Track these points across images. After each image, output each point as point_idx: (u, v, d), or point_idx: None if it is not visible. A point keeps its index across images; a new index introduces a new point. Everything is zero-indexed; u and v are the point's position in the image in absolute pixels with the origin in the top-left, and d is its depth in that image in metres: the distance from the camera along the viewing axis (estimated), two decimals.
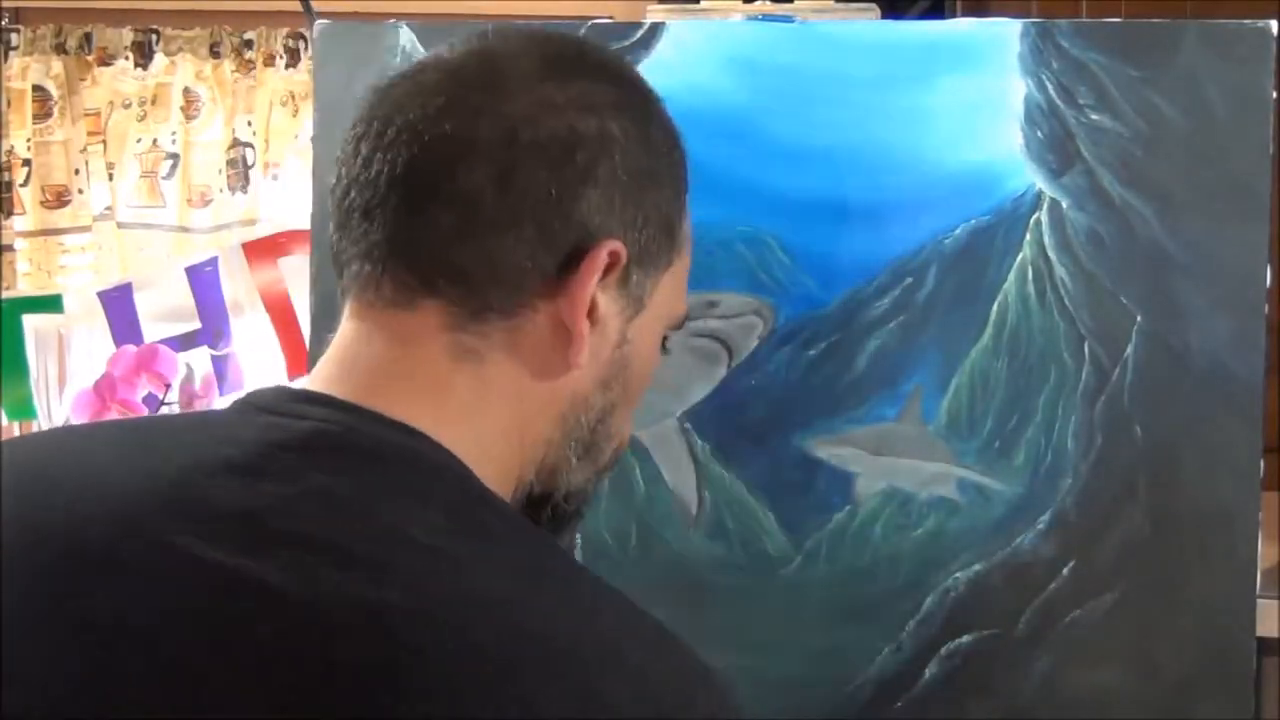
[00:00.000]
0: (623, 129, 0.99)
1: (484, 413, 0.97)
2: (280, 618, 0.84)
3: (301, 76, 3.51)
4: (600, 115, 0.98)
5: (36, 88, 3.53)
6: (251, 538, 0.87)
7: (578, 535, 1.59)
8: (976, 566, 1.55)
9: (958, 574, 1.55)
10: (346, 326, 1.00)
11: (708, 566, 1.58)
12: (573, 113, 0.96)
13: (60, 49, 3.56)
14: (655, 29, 1.58)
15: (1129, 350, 1.52)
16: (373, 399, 0.95)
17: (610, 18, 1.63)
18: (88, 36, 3.57)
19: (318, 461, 0.91)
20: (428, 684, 0.82)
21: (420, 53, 1.61)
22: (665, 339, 1.10)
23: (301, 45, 3.53)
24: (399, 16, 1.63)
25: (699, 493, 1.59)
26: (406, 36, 1.61)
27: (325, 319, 1.62)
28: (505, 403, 0.98)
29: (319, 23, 1.64)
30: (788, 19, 1.58)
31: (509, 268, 0.95)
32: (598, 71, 1.02)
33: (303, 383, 1.02)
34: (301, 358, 2.38)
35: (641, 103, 1.04)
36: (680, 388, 1.59)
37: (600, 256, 0.96)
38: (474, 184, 0.94)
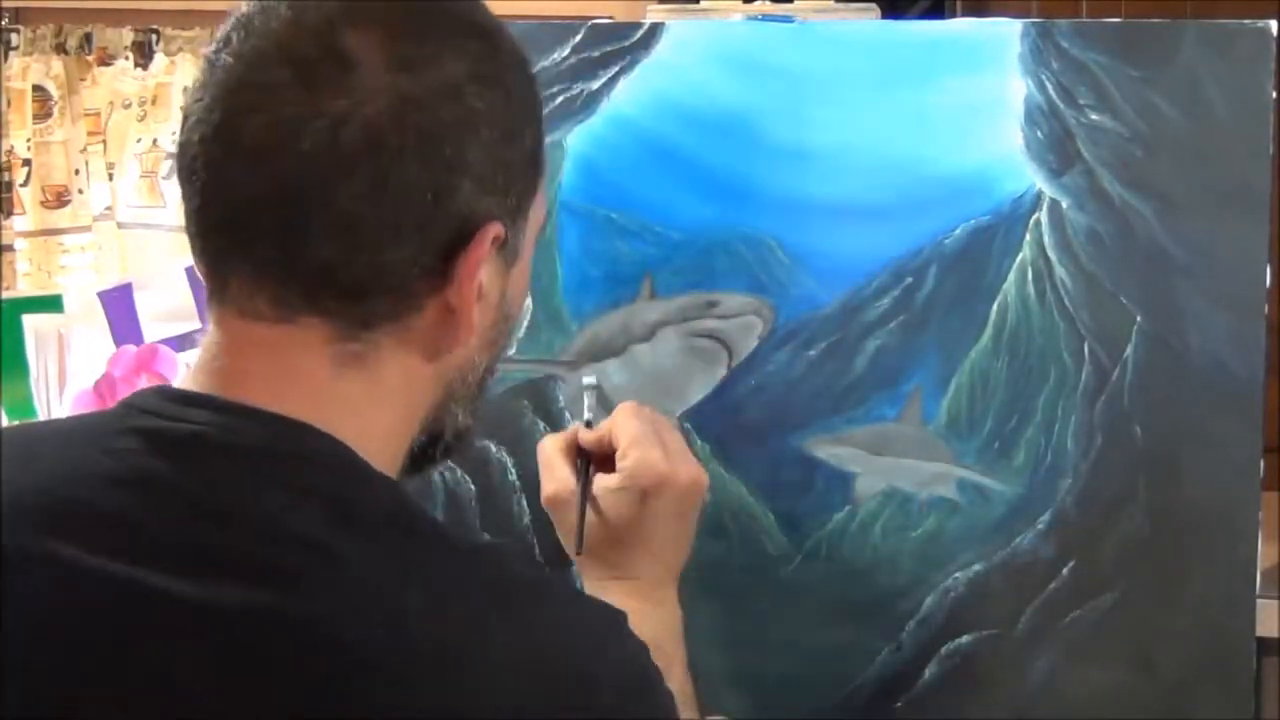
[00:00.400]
0: (485, 100, 0.96)
1: (374, 408, 0.97)
2: (173, 623, 0.86)
3: None
4: (460, 96, 0.94)
5: (36, 88, 3.52)
6: (134, 545, 0.88)
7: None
8: (976, 566, 1.55)
9: (957, 574, 1.55)
10: (218, 337, 0.98)
11: (707, 566, 1.58)
12: (434, 103, 0.93)
13: (60, 49, 3.56)
14: (655, 29, 1.58)
15: (1129, 350, 1.52)
16: (256, 397, 0.95)
17: (610, 18, 1.63)
18: (88, 36, 3.57)
19: (196, 466, 0.91)
20: (322, 683, 0.85)
21: None
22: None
23: None
24: None
25: None
26: None
27: None
28: (395, 395, 0.98)
29: None
30: (787, 19, 1.58)
31: (394, 275, 0.94)
32: (447, 36, 0.96)
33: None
34: None
35: (494, 52, 1.00)
36: (680, 388, 1.59)
37: (484, 243, 0.96)
38: (349, 200, 0.91)
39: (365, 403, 0.96)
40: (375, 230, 0.92)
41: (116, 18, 3.58)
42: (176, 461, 0.92)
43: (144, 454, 0.92)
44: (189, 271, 2.42)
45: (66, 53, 3.56)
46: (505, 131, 0.97)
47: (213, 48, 0.96)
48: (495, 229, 0.96)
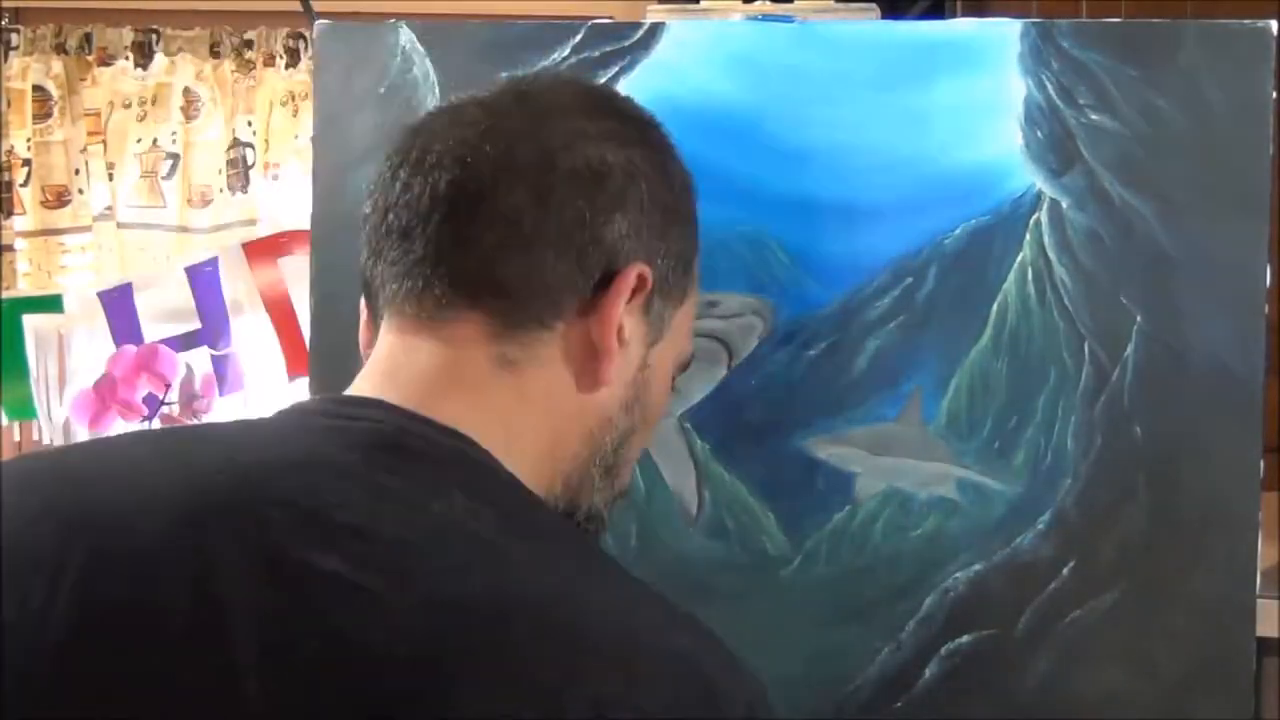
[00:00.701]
0: (648, 164, 1.08)
1: (521, 420, 1.02)
2: (362, 611, 0.86)
3: (302, 77, 3.51)
4: (628, 149, 1.06)
5: (36, 88, 3.53)
6: (319, 532, 0.89)
7: None
8: (976, 566, 1.55)
9: (957, 574, 1.55)
10: (387, 340, 1.05)
11: (707, 566, 1.58)
12: (604, 144, 1.04)
13: (60, 49, 3.56)
14: (655, 29, 1.58)
15: (1129, 350, 1.52)
16: (419, 403, 1.00)
17: (610, 18, 1.63)
18: (88, 36, 3.57)
19: (376, 460, 0.95)
20: (508, 676, 0.85)
21: (420, 52, 1.61)
22: (674, 379, 1.17)
23: (301, 45, 3.53)
24: (399, 16, 1.63)
25: (699, 493, 1.59)
26: (406, 36, 1.61)
27: (326, 319, 1.62)
28: (540, 412, 1.03)
29: (318, 23, 1.64)
30: (788, 19, 1.58)
31: (547, 283, 1.01)
32: (624, 112, 1.11)
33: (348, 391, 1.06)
34: (302, 358, 2.38)
35: (662, 144, 1.13)
36: (680, 387, 1.58)
37: (629, 278, 1.03)
38: (514, 204, 1.01)
39: (513, 413, 1.02)
40: (532, 233, 1.01)
41: (116, 18, 3.58)
42: (361, 452, 0.95)
43: (323, 447, 0.96)
44: (189, 271, 2.42)
45: (66, 53, 3.56)
46: (663, 205, 1.09)
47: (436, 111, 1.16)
48: (642, 268, 1.05)
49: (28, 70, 3.54)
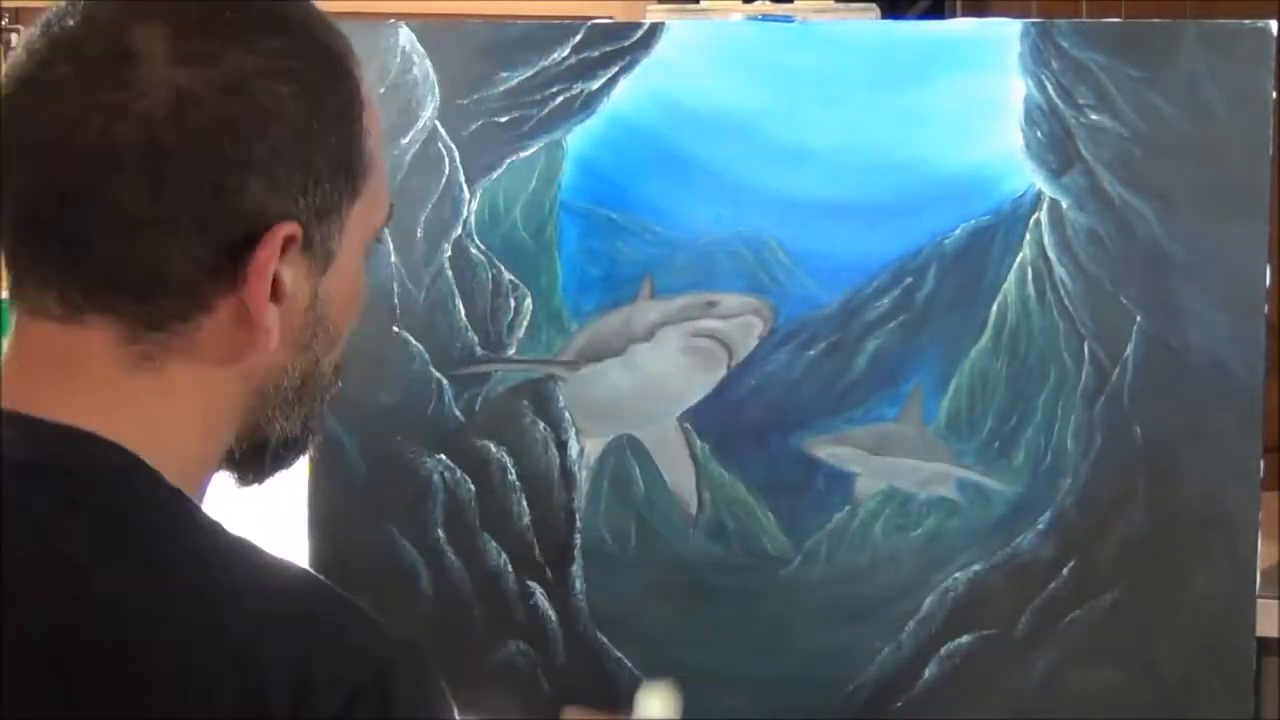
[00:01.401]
0: (274, 97, 0.91)
1: (169, 415, 0.94)
2: None
3: None
4: (247, 91, 0.90)
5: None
6: None
7: (576, 538, 1.60)
8: (976, 566, 1.55)
9: (957, 574, 1.55)
10: (13, 338, 0.95)
11: (707, 566, 1.58)
12: (216, 99, 0.89)
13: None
14: (655, 29, 1.58)
15: (1129, 350, 1.52)
16: (38, 408, 0.92)
17: (610, 18, 1.63)
18: None
19: None
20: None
21: (420, 52, 1.61)
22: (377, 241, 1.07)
23: None
24: (398, 16, 1.63)
25: (698, 493, 1.59)
26: (406, 36, 1.61)
27: None
28: (192, 401, 0.94)
29: None
30: (787, 19, 1.58)
31: (178, 275, 0.90)
32: (241, 30, 0.92)
33: None
34: None
35: (297, 48, 0.94)
36: (680, 388, 1.59)
37: (273, 245, 0.91)
38: (125, 197, 0.88)
39: (158, 408, 0.93)
40: (153, 228, 0.89)
41: None
42: None
43: None
44: None
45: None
46: (303, 133, 0.92)
47: (19, 47, 0.94)
48: (289, 229, 0.92)
49: None
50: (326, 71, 0.96)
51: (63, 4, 0.93)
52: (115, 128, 0.88)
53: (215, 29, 0.91)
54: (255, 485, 1.05)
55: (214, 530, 0.93)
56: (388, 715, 0.87)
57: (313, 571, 0.97)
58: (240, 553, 0.93)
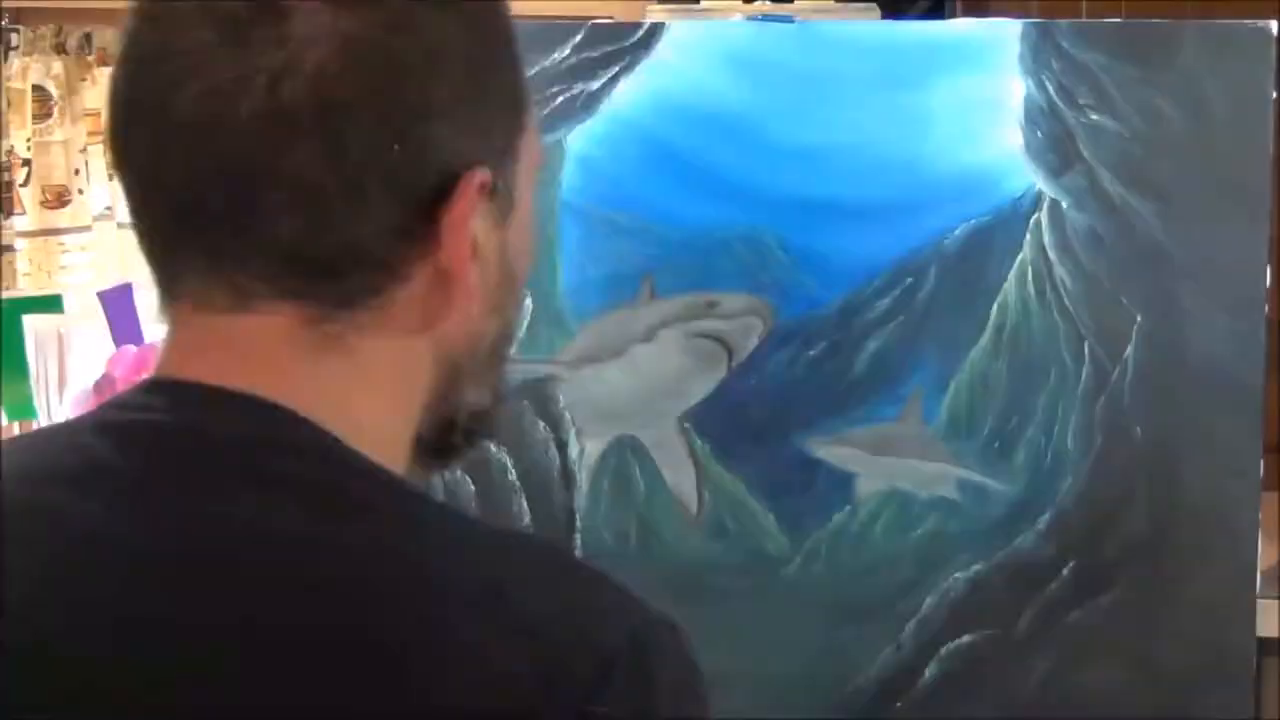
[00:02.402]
0: (445, 30, 0.82)
1: (363, 395, 0.85)
2: (157, 636, 0.78)
3: None
4: (415, 28, 0.81)
5: (36, 88, 3.52)
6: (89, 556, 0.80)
7: (576, 539, 1.60)
8: (976, 566, 1.55)
9: (958, 574, 1.55)
10: (173, 338, 0.87)
11: (707, 567, 1.58)
12: (384, 39, 0.80)
13: (60, 49, 3.56)
14: (655, 29, 1.58)
15: (1129, 350, 1.52)
16: (228, 379, 0.83)
17: (610, 18, 1.63)
18: (88, 36, 3.57)
19: (153, 462, 0.83)
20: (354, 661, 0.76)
21: None
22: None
23: None
24: None
25: (699, 493, 1.59)
26: None
27: None
28: (387, 379, 0.86)
29: None
30: (787, 19, 1.58)
31: (370, 245, 0.81)
32: None
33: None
34: None
35: None
36: (680, 388, 1.59)
37: (469, 196, 0.82)
38: (302, 166, 0.79)
39: (352, 389, 0.84)
40: (339, 197, 0.79)
41: (116, 18, 3.58)
42: (136, 457, 0.82)
43: (105, 450, 0.83)
44: None
45: (66, 53, 3.55)
46: (477, 63, 0.83)
47: (131, 18, 0.83)
48: (481, 175, 0.82)
49: (28, 70, 3.53)
50: (491, 11, 0.87)
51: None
52: (281, 90, 0.78)
53: None
54: (445, 468, 1.00)
55: (432, 502, 0.87)
56: (649, 685, 0.79)
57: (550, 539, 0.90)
58: (468, 523, 0.88)
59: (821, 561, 1.57)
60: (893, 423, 1.57)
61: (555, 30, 1.60)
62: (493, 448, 1.60)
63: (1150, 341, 1.52)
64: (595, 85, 1.59)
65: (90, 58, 3.56)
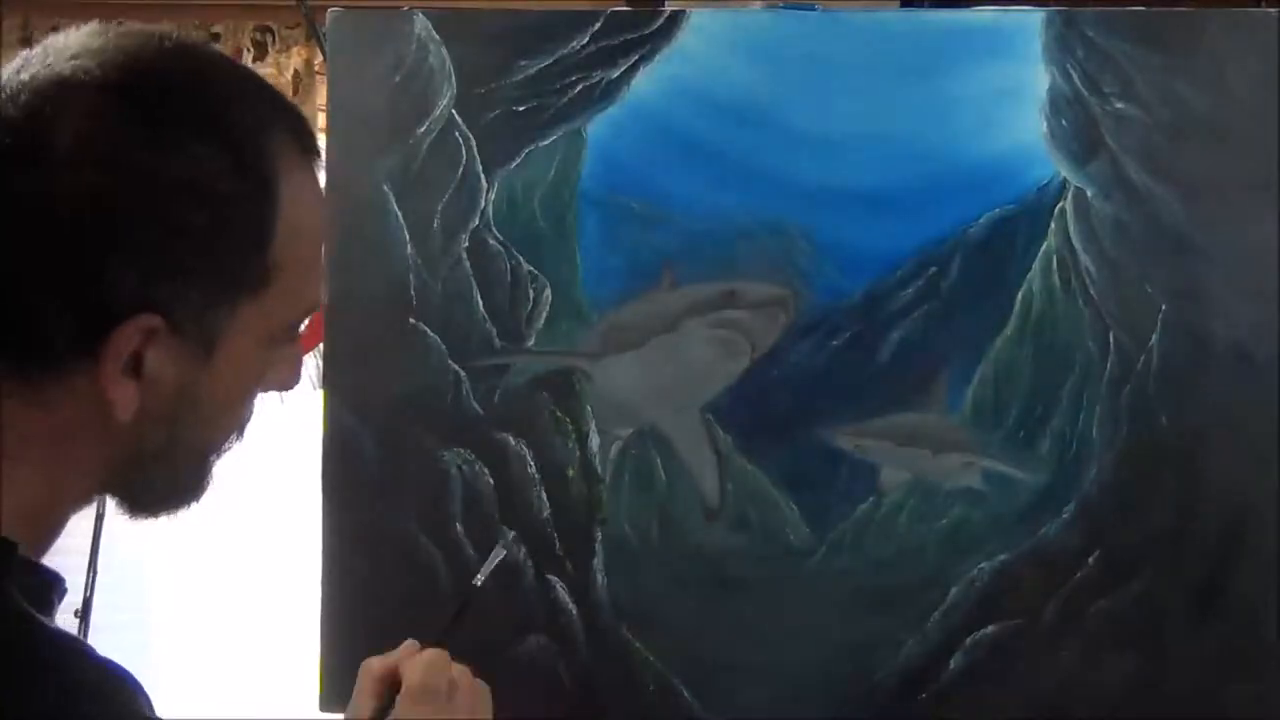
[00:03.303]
0: (170, 202, 0.94)
1: (20, 462, 0.96)
2: None
3: (268, 69, 3.47)
4: (146, 192, 0.93)
5: None
6: None
7: (597, 531, 1.58)
8: (1002, 556, 1.54)
9: (983, 564, 1.55)
10: None
11: (730, 558, 1.57)
12: (108, 195, 0.92)
13: (27, 43, 3.51)
14: (676, 16, 1.57)
15: (1154, 339, 1.52)
16: None
17: (629, 6, 1.61)
18: (54, 30, 3.52)
19: None
20: None
21: (436, 40, 1.58)
22: (296, 330, 1.08)
23: (269, 39, 3.49)
24: (414, 4, 1.61)
25: (721, 485, 1.57)
26: (421, 24, 1.59)
27: (341, 318, 1.59)
28: (42, 451, 0.97)
29: (331, 10, 1.61)
30: (810, 7, 1.57)
31: (43, 337, 0.93)
32: (158, 133, 0.94)
33: None
34: None
35: (210, 157, 0.96)
36: (702, 379, 1.57)
37: (129, 333, 0.94)
38: (10, 260, 0.92)
39: (12, 452, 0.96)
40: (29, 292, 0.92)
41: (83, 12, 3.53)
42: None
43: None
44: None
45: (31, 47, 3.51)
46: (192, 233, 0.94)
47: None
48: (148, 320, 0.94)
49: None
50: (242, 184, 0.97)
51: (9, 70, 0.96)
52: (13, 202, 0.91)
53: (131, 130, 0.93)
54: (144, 519, 1.07)
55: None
56: None
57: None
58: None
59: (845, 553, 1.56)
60: (917, 413, 1.56)
61: (574, 18, 1.58)
62: (512, 440, 1.58)
63: (1175, 330, 1.52)
64: (615, 73, 1.57)
65: None
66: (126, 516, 1.06)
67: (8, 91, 0.93)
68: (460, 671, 1.29)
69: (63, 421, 0.96)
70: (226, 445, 1.07)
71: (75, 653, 0.96)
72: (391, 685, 1.27)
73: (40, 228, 0.91)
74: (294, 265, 1.02)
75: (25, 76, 0.94)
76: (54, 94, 0.92)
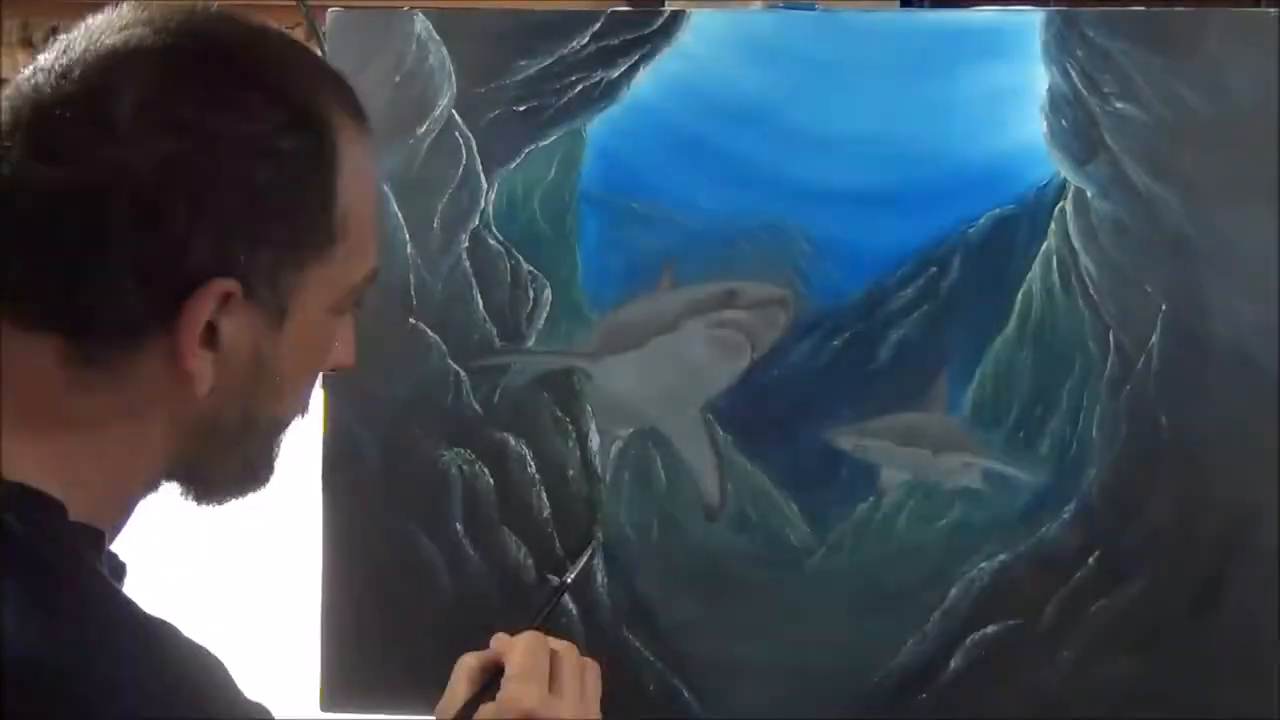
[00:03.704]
0: (236, 164, 0.94)
1: (95, 445, 0.96)
2: None
3: None
4: (211, 156, 0.93)
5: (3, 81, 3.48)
6: None
7: (596, 524, 1.58)
8: (1001, 557, 1.54)
9: (982, 564, 1.55)
10: None
11: (730, 558, 1.57)
12: (176, 160, 0.92)
13: (27, 43, 3.51)
14: (676, 17, 1.56)
15: (1154, 339, 1.52)
16: None
17: (630, 6, 1.61)
18: (54, 30, 3.52)
19: None
20: None
21: (436, 40, 1.58)
22: (360, 299, 1.09)
23: None
24: (413, 3, 1.61)
25: (721, 485, 1.57)
26: (421, 24, 1.59)
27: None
28: (118, 434, 0.97)
29: (331, 10, 1.61)
30: (809, 6, 1.58)
31: (115, 314, 0.93)
32: (215, 95, 0.94)
33: None
34: None
35: (269, 115, 0.96)
36: (702, 379, 1.57)
37: (206, 299, 0.94)
38: (63, 232, 0.91)
39: (85, 437, 0.96)
40: (91, 262, 0.92)
41: (80, 11, 3.53)
42: None
43: None
44: None
45: (33, 46, 3.51)
46: (260, 195, 0.95)
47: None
48: (224, 285, 0.94)
49: None
50: (301, 140, 0.97)
51: (49, 53, 0.96)
52: (73, 181, 0.91)
53: (193, 92, 0.93)
54: (213, 506, 1.07)
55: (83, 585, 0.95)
56: None
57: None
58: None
59: (845, 553, 1.56)
60: (917, 413, 1.56)
61: (574, 17, 1.58)
62: (512, 440, 1.58)
63: (1175, 330, 1.52)
64: (615, 73, 1.57)
65: None
66: (193, 502, 1.06)
67: (57, 69, 0.93)
68: (565, 647, 1.29)
69: (136, 401, 0.96)
70: (292, 423, 1.08)
71: (173, 631, 0.96)
72: (492, 674, 1.28)
73: (111, 200, 0.90)
74: (355, 227, 1.02)
75: (75, 53, 0.93)
76: (112, 64, 0.92)
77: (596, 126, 1.57)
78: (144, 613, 0.95)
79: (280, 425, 1.07)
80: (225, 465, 1.04)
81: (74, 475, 0.95)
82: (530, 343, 1.58)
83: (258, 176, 0.94)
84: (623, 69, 1.57)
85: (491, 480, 1.59)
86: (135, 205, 0.91)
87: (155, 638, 0.94)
